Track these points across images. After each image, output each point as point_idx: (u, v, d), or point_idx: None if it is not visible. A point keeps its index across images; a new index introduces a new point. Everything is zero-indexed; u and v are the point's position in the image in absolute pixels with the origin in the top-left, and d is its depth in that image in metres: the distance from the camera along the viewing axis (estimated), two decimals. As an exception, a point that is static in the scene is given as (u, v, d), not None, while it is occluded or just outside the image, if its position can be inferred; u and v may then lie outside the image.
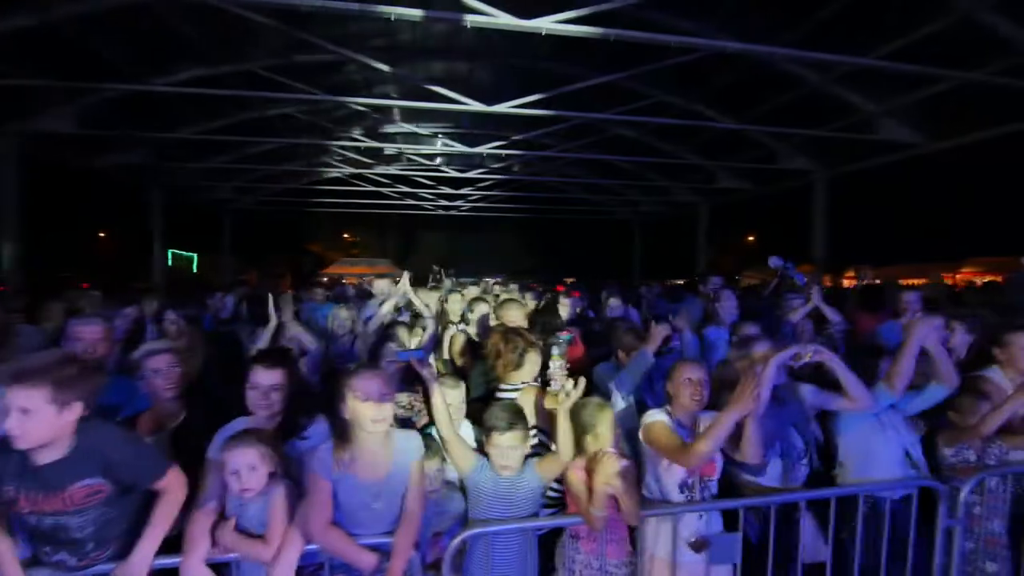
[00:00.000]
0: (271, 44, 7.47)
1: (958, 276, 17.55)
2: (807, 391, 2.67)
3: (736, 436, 2.36)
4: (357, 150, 12.32)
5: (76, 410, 1.70)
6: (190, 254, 22.45)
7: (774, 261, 5.90)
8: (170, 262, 16.63)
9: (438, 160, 13.09)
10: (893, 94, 7.72)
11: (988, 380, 2.80)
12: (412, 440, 2.14)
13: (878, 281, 7.06)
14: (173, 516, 1.91)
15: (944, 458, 2.69)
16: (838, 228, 11.05)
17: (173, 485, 1.93)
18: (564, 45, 7.32)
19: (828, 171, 10.33)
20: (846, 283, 13.22)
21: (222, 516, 1.99)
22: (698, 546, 2.33)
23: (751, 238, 32.19)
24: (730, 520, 2.44)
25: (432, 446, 2.44)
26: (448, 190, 15.39)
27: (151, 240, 12.65)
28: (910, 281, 14.48)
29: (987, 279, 14.10)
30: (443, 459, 2.46)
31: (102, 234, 28.23)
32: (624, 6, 5.55)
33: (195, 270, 22.01)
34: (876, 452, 2.55)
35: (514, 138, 10.94)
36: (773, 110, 8.78)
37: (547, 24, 5.00)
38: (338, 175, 14.20)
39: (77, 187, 15.67)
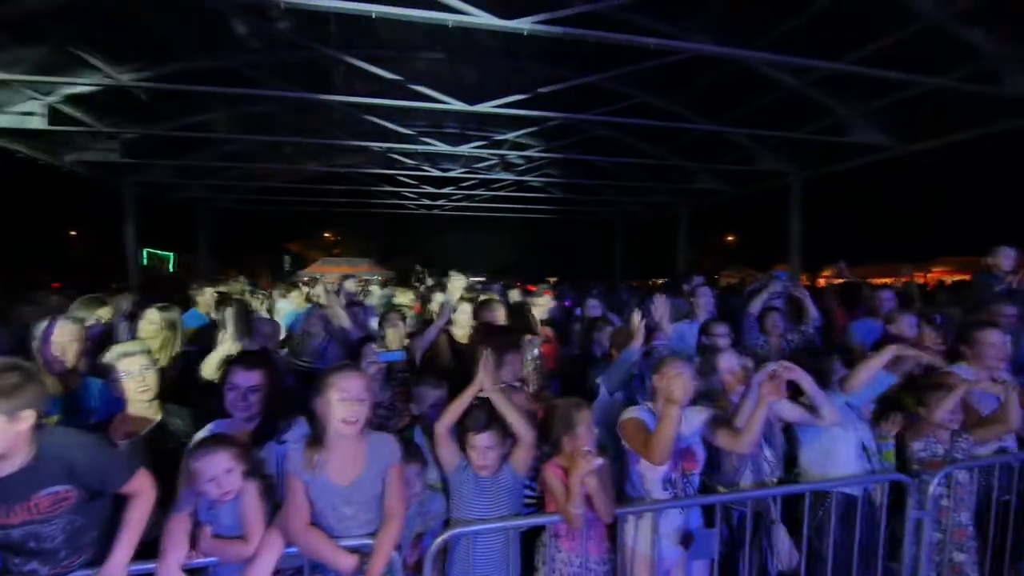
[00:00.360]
0: (248, 41, 7.34)
1: (929, 275, 18.10)
2: (778, 406, 2.69)
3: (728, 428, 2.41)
4: (338, 149, 12.20)
5: (28, 418, 1.64)
6: (166, 253, 21.99)
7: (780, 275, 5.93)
8: (145, 261, 16.27)
9: (420, 159, 13.02)
10: (865, 98, 7.90)
11: (953, 375, 2.89)
12: (387, 443, 2.12)
13: (845, 279, 7.23)
14: (145, 519, 1.88)
15: (913, 452, 2.77)
16: (813, 228, 11.28)
17: (142, 488, 1.90)
18: (546, 46, 7.33)
19: (803, 173, 10.54)
20: (821, 282, 13.53)
21: (197, 522, 1.96)
22: (685, 541, 2.36)
23: (730, 238, 32.78)
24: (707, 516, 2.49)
25: (412, 449, 2.43)
26: (431, 189, 15.31)
27: (125, 239, 12.31)
28: (883, 280, 14.88)
29: (956, 278, 14.57)
30: (424, 461, 2.46)
31: (73, 233, 27.52)
32: (605, 8, 5.60)
33: (172, 269, 21.58)
34: (836, 449, 2.63)
35: (497, 138, 10.95)
36: (751, 113, 8.93)
37: (528, 25, 5.01)
38: (319, 173, 14.02)
39: (45, 184, 15.22)
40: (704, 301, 4.45)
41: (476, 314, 4.07)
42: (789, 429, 2.82)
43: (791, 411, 2.68)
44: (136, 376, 2.31)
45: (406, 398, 2.96)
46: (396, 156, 12.43)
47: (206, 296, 4.87)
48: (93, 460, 1.82)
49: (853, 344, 3.97)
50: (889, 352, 2.64)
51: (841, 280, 7.38)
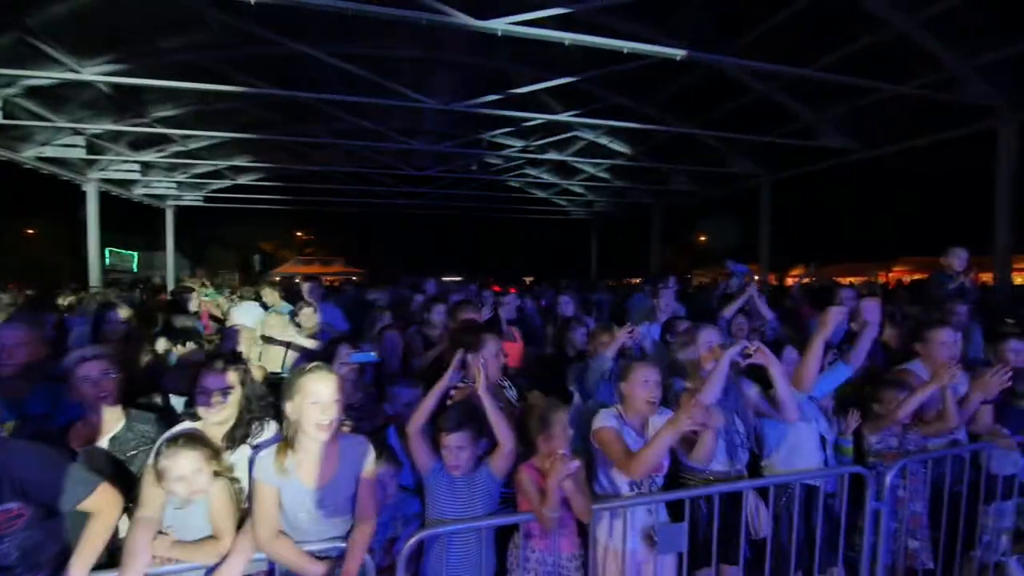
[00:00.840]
0: (217, 35, 7.17)
1: (891, 274, 18.78)
2: (751, 392, 2.77)
3: (691, 440, 2.45)
4: (311, 146, 12.01)
5: None
6: (130, 252, 21.31)
7: (732, 266, 6.09)
8: (108, 261, 15.73)
9: (396, 158, 12.91)
10: (832, 103, 8.16)
11: (909, 373, 3.02)
12: (359, 445, 2.11)
13: (814, 279, 7.49)
14: (106, 535, 1.81)
15: (870, 445, 2.88)
16: (783, 229, 11.60)
17: (104, 504, 1.83)
18: (522, 46, 7.36)
19: (773, 175, 10.82)
20: (790, 280, 13.90)
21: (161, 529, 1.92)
22: (651, 538, 2.40)
23: (703, 238, 33.39)
24: (676, 509, 2.53)
25: (385, 450, 2.42)
26: (407, 188, 15.20)
27: (86, 237, 11.88)
28: (849, 279, 15.40)
29: (915, 277, 15.15)
30: (398, 463, 2.45)
31: (31, 231, 26.49)
32: (580, 10, 5.65)
33: (135, 269, 20.92)
34: (800, 443, 2.72)
35: (473, 137, 10.95)
36: (722, 116, 9.14)
37: (502, 25, 5.02)
38: (291, 172, 13.78)
39: (1, 180, 14.57)
40: (664, 302, 4.52)
41: (453, 316, 4.10)
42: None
43: (756, 398, 2.74)
44: (97, 381, 2.24)
45: (379, 398, 2.95)
46: (371, 154, 12.31)
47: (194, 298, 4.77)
48: (47, 477, 1.73)
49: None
50: (819, 341, 2.71)
51: (808, 280, 7.62)
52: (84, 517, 1.83)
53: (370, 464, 2.09)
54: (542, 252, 25.20)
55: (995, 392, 2.82)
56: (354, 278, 20.38)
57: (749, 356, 2.53)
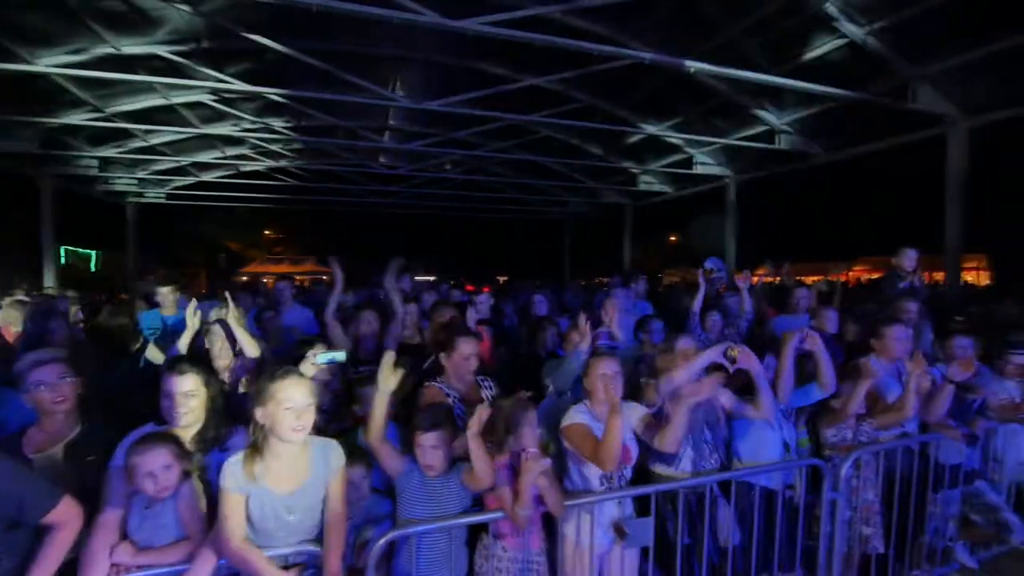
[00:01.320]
0: (179, 27, 6.96)
1: (851, 274, 19.52)
2: (724, 395, 2.84)
3: (658, 426, 2.53)
4: (279, 143, 11.77)
5: None
6: (88, 251, 20.48)
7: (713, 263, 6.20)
8: (64, 260, 15.09)
9: (367, 156, 12.76)
10: (793, 108, 8.44)
11: (867, 367, 3.15)
12: (330, 449, 2.10)
13: (778, 279, 7.74)
14: (66, 548, 1.76)
15: (826, 439, 3.01)
16: (750, 229, 11.91)
17: (66, 518, 1.78)
18: (494, 46, 7.37)
19: (738, 176, 11.11)
20: (755, 279, 14.27)
21: (124, 534, 1.88)
22: (620, 531, 2.46)
23: (673, 238, 34.01)
24: (643, 506, 2.60)
25: (356, 451, 2.41)
26: (379, 187, 15.03)
27: (39, 236, 11.37)
28: (812, 278, 15.93)
29: (874, 276, 15.77)
30: (369, 464, 2.44)
31: (-18, 228, 25.17)
32: (552, 12, 5.70)
33: (94, 269, 20.12)
34: (765, 448, 2.82)
35: (445, 136, 10.90)
36: (690, 118, 9.35)
37: (474, 26, 5.03)
38: (258, 168, 13.46)
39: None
40: (619, 302, 4.58)
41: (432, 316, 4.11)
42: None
43: (730, 401, 2.83)
44: (52, 386, 2.16)
45: (349, 399, 2.92)
46: (342, 152, 12.14)
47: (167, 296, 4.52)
48: (13, 491, 1.68)
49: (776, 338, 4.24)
50: (790, 355, 2.83)
51: (769, 280, 7.87)
52: (41, 529, 1.78)
53: (340, 467, 2.08)
54: (516, 252, 25.22)
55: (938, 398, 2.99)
56: (324, 278, 20.05)
57: (733, 360, 2.58)
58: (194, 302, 3.25)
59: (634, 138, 10.59)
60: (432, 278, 15.36)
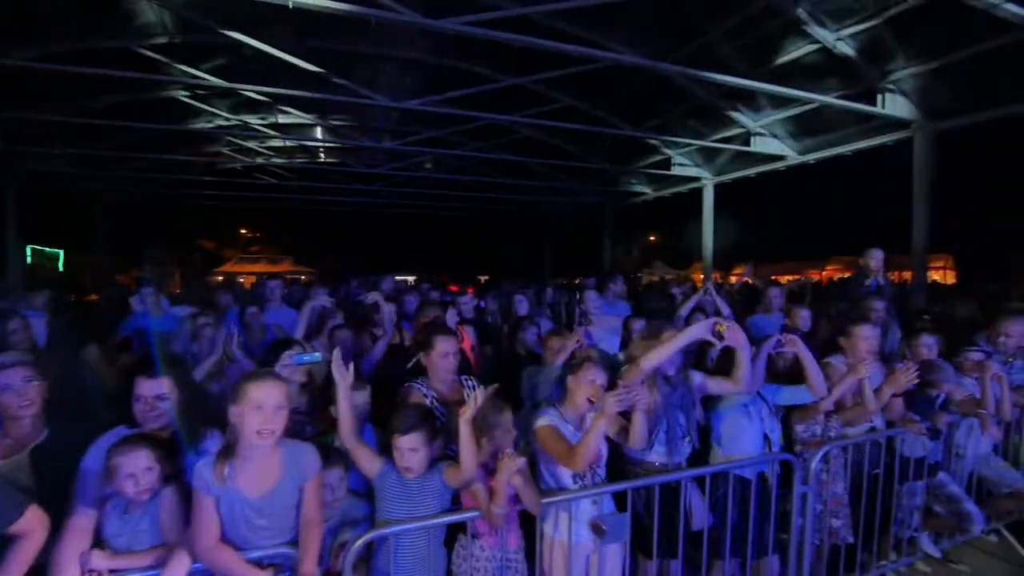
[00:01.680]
0: (148, 22, 6.79)
1: (824, 273, 20.02)
2: (695, 376, 2.89)
3: (625, 427, 2.57)
4: (256, 140, 11.58)
5: None
6: (55, 251, 19.87)
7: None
8: (29, 260, 14.62)
9: (346, 155, 12.64)
10: (768, 111, 8.62)
11: (832, 366, 3.25)
12: (305, 453, 2.07)
13: (749, 280, 7.92)
14: (28, 562, 1.72)
15: (797, 434, 3.10)
16: (727, 229, 12.13)
17: (31, 528, 1.73)
18: (476, 46, 7.37)
19: (715, 177, 11.31)
20: (733, 279, 14.56)
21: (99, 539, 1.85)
22: (597, 529, 2.49)
23: (652, 238, 34.42)
24: (619, 501, 2.64)
25: (332, 453, 2.39)
26: (358, 186, 14.90)
27: (3, 235, 11.00)
28: (787, 277, 16.30)
29: (845, 275, 16.19)
30: (346, 466, 2.42)
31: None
32: (533, 13, 5.72)
33: (61, 269, 19.52)
34: (742, 435, 2.88)
35: (424, 136, 10.86)
36: (668, 120, 9.49)
37: (454, 26, 5.02)
38: (235, 167, 13.22)
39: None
40: (590, 304, 4.66)
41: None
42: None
43: (701, 381, 2.86)
44: (19, 389, 2.11)
45: (326, 401, 2.89)
46: (319, 150, 12.01)
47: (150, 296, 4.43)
48: None
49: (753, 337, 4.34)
50: (761, 354, 2.92)
51: (748, 279, 8.03)
52: (5, 538, 1.73)
53: (314, 471, 2.06)
54: (498, 252, 25.15)
55: (903, 387, 3.08)
56: (303, 277, 19.79)
57: (721, 336, 2.60)
58: None
59: (614, 139, 10.69)
60: (413, 278, 15.27)
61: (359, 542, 2.11)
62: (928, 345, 3.66)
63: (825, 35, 6.42)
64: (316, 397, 2.81)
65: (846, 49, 6.58)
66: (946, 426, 3.50)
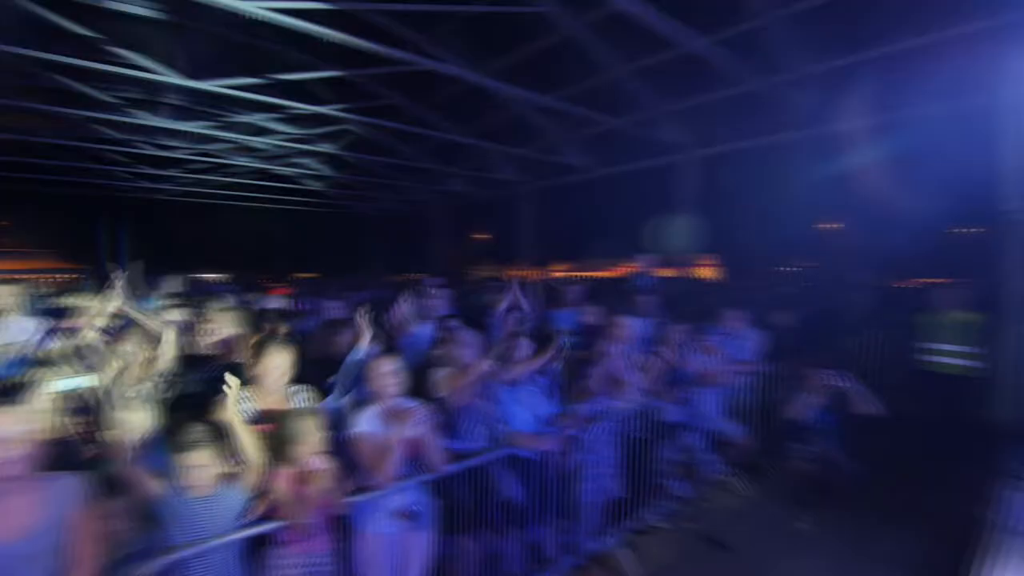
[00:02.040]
0: None
1: (616, 271, 22.97)
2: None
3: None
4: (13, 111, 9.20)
5: None
6: None
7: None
8: None
9: (132, 133, 10.75)
10: (573, 127, 9.70)
11: (596, 353, 3.92)
12: (66, 486, 1.88)
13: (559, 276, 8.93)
14: None
15: (576, 412, 3.67)
16: (543, 231, 13.22)
17: None
18: (291, 33, 6.94)
19: (530, 184, 12.32)
20: (534, 277, 15.98)
21: None
22: (407, 516, 2.65)
23: (479, 237, 35.70)
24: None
25: (115, 482, 2.17)
26: (149, 170, 12.84)
27: None
28: (591, 275, 18.36)
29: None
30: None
31: None
32: (352, 7, 5.61)
33: None
34: (514, 422, 3.34)
35: (232, 119, 9.84)
36: (487, 126, 10.06)
37: (258, 10, 4.73)
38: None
39: None
40: (437, 303, 4.92)
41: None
42: None
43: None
44: None
45: (98, 425, 2.58)
46: (99, 127, 10.05)
47: None
48: None
49: (551, 329, 4.94)
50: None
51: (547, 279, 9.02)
52: None
53: (81, 505, 1.87)
54: (322, 247, 23.45)
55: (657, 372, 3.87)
56: (70, 276, 16.25)
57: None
58: None
59: (440, 140, 10.93)
60: (224, 276, 13.74)
61: (149, 572, 1.98)
62: (681, 331, 4.58)
63: (618, 68, 7.46)
64: (91, 422, 2.50)
65: (634, 81, 7.73)
66: (691, 395, 4.43)
